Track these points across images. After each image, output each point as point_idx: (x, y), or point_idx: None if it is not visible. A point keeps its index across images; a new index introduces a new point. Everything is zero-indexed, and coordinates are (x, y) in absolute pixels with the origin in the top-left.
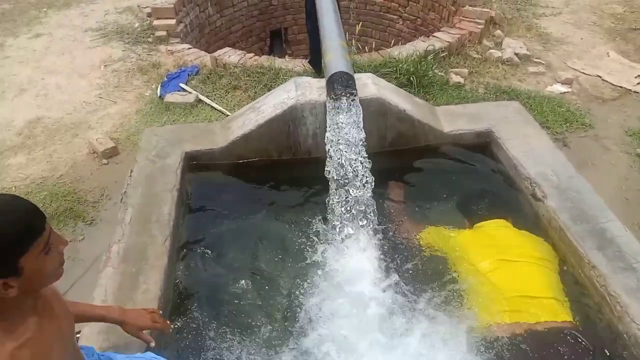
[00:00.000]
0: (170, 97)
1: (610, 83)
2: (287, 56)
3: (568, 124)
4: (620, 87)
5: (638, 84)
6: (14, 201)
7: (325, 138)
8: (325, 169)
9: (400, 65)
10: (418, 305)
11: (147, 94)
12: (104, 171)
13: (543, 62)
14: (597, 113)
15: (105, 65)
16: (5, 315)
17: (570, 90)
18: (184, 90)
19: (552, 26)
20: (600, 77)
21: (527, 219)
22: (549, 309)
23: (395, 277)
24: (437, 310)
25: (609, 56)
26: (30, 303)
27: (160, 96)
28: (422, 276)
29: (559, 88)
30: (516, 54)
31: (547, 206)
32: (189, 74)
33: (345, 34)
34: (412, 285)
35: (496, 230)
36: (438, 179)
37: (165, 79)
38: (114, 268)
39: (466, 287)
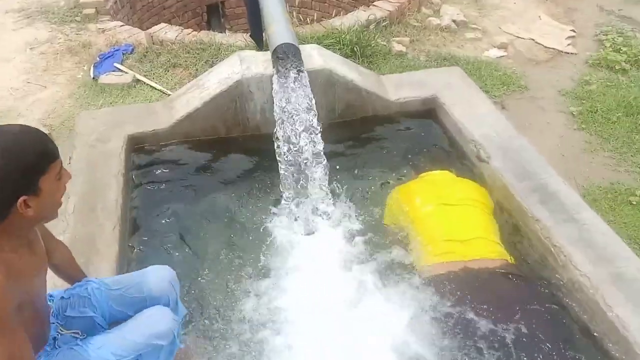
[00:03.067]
0: (105, 79)
1: (543, 45)
2: (226, 31)
3: (505, 87)
4: (553, 48)
5: (568, 45)
6: (29, 128)
7: (275, 112)
8: (275, 143)
9: (343, 36)
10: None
11: (80, 76)
12: None
13: (479, 27)
14: (532, 75)
15: (31, 48)
16: (5, 236)
17: (505, 54)
18: (119, 70)
19: None
20: (533, 40)
21: (471, 179)
22: (483, 248)
23: (350, 241)
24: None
25: (540, 19)
26: (24, 235)
27: (93, 78)
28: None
29: (495, 52)
30: (454, 21)
31: (492, 166)
32: (123, 53)
33: (286, 6)
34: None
35: (439, 176)
36: (388, 146)
37: (98, 59)
38: None
39: (408, 233)
